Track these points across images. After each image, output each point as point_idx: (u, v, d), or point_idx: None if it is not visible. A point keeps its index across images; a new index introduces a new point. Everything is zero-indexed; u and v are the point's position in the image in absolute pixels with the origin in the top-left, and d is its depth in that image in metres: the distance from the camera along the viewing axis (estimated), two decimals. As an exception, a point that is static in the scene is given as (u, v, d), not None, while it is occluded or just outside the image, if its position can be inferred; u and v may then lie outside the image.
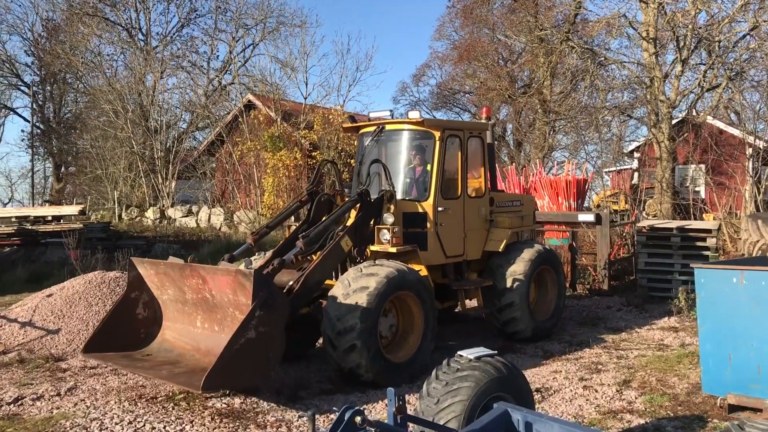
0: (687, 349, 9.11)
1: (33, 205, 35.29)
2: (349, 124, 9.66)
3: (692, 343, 9.31)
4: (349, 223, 8.37)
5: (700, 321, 6.83)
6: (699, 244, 12.47)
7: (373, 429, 3.38)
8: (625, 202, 20.60)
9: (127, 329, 7.52)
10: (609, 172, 24.96)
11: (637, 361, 8.61)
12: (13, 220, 24.09)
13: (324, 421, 6.52)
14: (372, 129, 9.22)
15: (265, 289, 6.51)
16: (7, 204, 42.65)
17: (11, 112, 44.77)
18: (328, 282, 8.28)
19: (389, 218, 8.32)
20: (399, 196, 8.79)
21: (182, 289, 7.24)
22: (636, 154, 26.00)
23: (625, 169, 24.99)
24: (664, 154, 18.57)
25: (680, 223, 13.02)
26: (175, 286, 7.32)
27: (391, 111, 9.12)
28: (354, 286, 7.35)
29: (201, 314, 7.26)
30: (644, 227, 13.18)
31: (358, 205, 8.36)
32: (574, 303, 12.59)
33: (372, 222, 8.47)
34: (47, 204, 35.63)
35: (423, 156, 9.05)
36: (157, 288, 7.59)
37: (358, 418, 3.30)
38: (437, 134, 8.83)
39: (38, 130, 43.12)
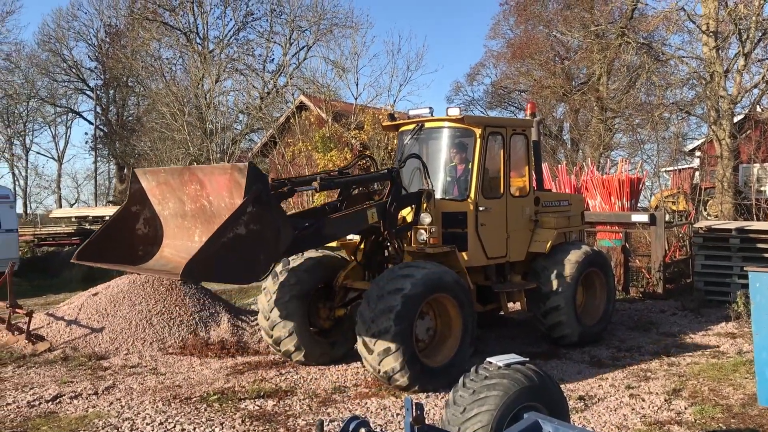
0: (744, 356, 8.61)
1: (96, 206, 36.36)
2: (389, 122, 9.49)
3: (750, 351, 8.77)
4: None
5: (755, 328, 6.42)
6: (760, 245, 11.84)
7: (380, 441, 3.18)
8: (685, 203, 19.82)
9: (124, 243, 7.08)
10: (668, 171, 24.09)
11: (689, 369, 8.18)
12: (73, 219, 24.85)
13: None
14: (411, 127, 9.03)
15: (260, 185, 6.16)
16: (73, 205, 44.19)
17: (77, 116, 46.49)
18: (362, 285, 8.14)
19: (426, 218, 8.10)
20: (438, 195, 8.57)
21: (182, 199, 6.89)
22: (697, 153, 25.06)
23: (685, 169, 24.09)
24: (725, 153, 17.76)
25: (740, 224, 12.39)
26: (175, 196, 6.95)
27: (430, 108, 8.90)
28: (388, 288, 7.18)
29: (200, 227, 6.89)
30: (701, 228, 12.60)
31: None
32: (626, 307, 12.13)
33: (411, 217, 8.27)
34: (110, 204, 36.65)
35: (463, 154, 8.81)
36: (159, 202, 7.20)
37: (362, 430, 3.11)
38: (478, 131, 8.57)
39: (101, 133, 44.49)
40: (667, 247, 13.59)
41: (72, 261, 7.20)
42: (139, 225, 7.21)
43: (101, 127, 44.51)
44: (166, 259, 7.07)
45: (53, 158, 47.01)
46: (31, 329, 9.37)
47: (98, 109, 43.88)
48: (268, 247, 6.30)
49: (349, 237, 8.87)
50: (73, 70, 43.99)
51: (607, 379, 7.85)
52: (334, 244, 8.61)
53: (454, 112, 8.59)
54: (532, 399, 4.54)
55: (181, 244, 7.07)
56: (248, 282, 6.61)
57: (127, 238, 7.13)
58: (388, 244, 8.52)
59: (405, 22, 69.53)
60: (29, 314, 9.37)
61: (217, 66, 34.00)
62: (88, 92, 44.63)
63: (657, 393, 7.24)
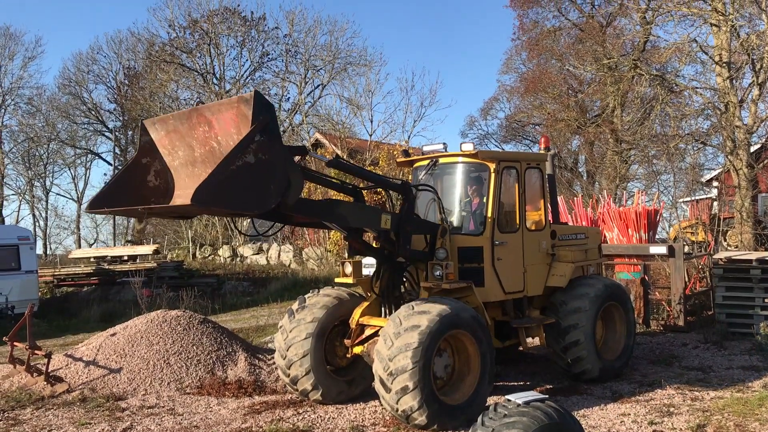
0: (770, 390, 8.44)
1: (115, 246, 36.66)
2: (403, 159, 9.52)
3: (776, 385, 8.63)
4: None
5: (780, 361, 6.30)
6: (783, 276, 11.65)
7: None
8: (704, 233, 19.64)
9: (135, 195, 6.94)
10: (686, 202, 23.94)
11: (713, 404, 8.01)
12: (92, 260, 25.05)
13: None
14: (426, 162, 9.06)
15: (267, 115, 6.12)
16: (92, 245, 44.56)
17: (96, 157, 47.21)
18: (378, 322, 8.10)
19: (442, 253, 8.09)
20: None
21: (191, 145, 6.79)
22: (714, 183, 24.91)
23: (703, 199, 23.92)
24: (742, 182, 17.66)
25: (760, 255, 12.20)
26: (184, 144, 6.85)
27: (444, 143, 8.93)
28: (405, 325, 7.14)
29: (210, 171, 6.60)
30: (721, 259, 12.43)
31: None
32: (647, 340, 11.95)
33: (426, 244, 8.29)
34: (129, 244, 36.94)
35: (478, 188, 8.81)
36: (169, 153, 7.06)
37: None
38: (492, 166, 8.59)
39: (120, 174, 45.05)
40: (687, 279, 13.43)
41: (85, 211, 7.11)
42: (150, 177, 7.12)
43: (120, 167, 45.12)
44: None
45: (73, 199, 47.57)
46: (49, 371, 9.38)
47: (117, 150, 44.60)
48: (278, 177, 6.23)
49: (365, 272, 8.88)
50: (93, 112, 44.87)
51: (630, 415, 7.70)
52: (350, 280, 8.58)
53: (468, 147, 8.60)
54: (553, 437, 4.47)
55: (192, 193, 6.84)
56: (258, 210, 6.46)
57: (138, 189, 7.02)
58: (404, 277, 8.51)
59: (418, 59, 70.59)
60: (48, 356, 9.39)
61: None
62: (107, 134, 45.49)
63: (681, 429, 7.09)
